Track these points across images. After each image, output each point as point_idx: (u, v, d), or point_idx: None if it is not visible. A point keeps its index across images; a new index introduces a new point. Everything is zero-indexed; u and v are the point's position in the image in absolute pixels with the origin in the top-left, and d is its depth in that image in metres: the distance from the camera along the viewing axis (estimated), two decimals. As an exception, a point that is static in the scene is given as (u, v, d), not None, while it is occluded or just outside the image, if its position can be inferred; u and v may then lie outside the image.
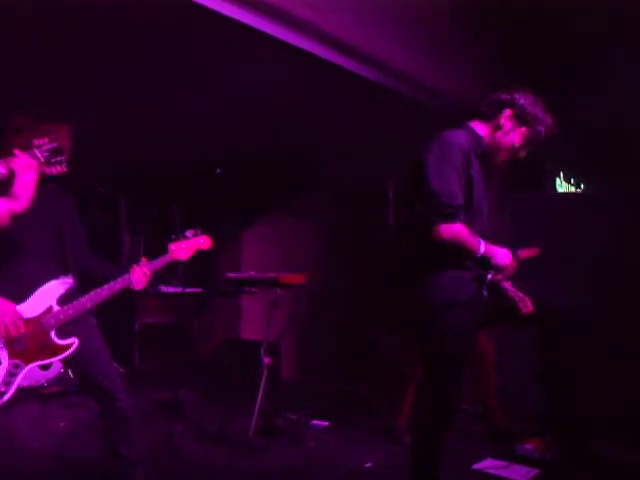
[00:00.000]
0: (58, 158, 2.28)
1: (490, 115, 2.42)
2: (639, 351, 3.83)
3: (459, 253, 2.26)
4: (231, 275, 4.55)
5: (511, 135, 2.40)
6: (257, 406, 3.75)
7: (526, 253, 3.82)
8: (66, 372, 4.43)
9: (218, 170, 6.31)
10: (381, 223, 5.48)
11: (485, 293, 2.25)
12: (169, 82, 3.92)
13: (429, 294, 2.29)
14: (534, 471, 3.19)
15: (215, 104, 4.25)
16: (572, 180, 5.04)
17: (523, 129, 2.39)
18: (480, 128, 2.44)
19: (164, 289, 6.12)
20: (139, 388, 4.95)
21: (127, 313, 5.92)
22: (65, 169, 2.35)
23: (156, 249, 2.66)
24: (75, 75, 3.70)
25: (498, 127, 2.40)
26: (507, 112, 2.39)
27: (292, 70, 3.74)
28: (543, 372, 2.37)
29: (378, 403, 4.70)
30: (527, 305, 2.26)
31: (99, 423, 2.61)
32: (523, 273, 2.48)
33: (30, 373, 2.35)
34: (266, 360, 3.88)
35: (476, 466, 3.30)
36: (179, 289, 6.10)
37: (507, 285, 2.32)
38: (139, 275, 2.54)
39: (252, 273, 4.43)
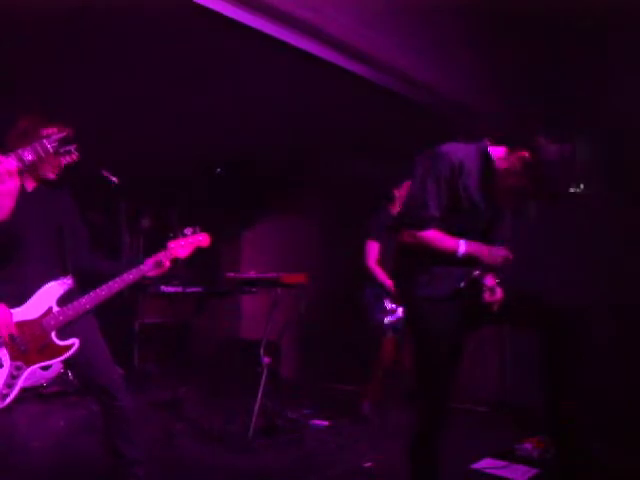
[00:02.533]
0: (67, 147, 2.15)
1: (505, 143, 2.24)
2: (639, 351, 3.84)
3: (438, 252, 2.28)
4: (231, 275, 4.55)
5: (516, 178, 2.18)
6: (257, 406, 3.76)
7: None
8: (66, 372, 4.44)
9: (218, 170, 6.31)
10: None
11: (463, 285, 2.25)
12: (169, 82, 3.93)
13: (415, 289, 2.32)
14: (533, 471, 3.19)
15: (215, 104, 4.25)
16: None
17: (528, 181, 2.16)
18: (495, 150, 2.26)
19: (164, 289, 6.12)
20: (139, 388, 4.95)
21: (127, 313, 5.92)
22: (75, 157, 2.30)
23: (156, 250, 2.65)
24: (75, 75, 3.70)
25: (507, 162, 2.21)
26: (523, 153, 2.15)
27: (292, 70, 3.75)
28: (546, 372, 2.35)
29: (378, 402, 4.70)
30: (494, 296, 2.26)
31: (99, 423, 2.61)
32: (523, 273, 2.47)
33: (31, 374, 2.35)
34: (266, 360, 3.89)
35: (475, 466, 3.30)
36: (179, 289, 6.10)
37: (488, 277, 2.31)
38: (152, 262, 2.56)
39: (252, 273, 4.43)
